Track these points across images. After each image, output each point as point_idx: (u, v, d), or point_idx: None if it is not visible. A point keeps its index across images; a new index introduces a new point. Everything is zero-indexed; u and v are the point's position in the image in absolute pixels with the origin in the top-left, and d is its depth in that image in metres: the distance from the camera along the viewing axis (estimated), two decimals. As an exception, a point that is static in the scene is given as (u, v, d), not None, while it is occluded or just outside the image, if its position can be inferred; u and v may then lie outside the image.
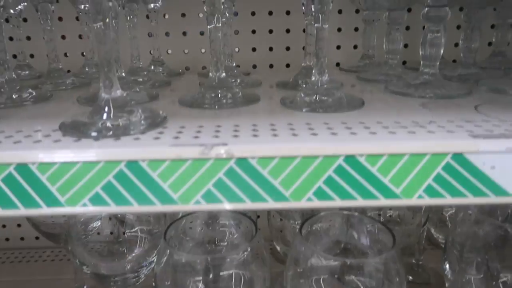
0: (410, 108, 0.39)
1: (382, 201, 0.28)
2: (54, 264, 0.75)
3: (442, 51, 0.44)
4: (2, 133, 0.33)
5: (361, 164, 0.28)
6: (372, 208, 0.53)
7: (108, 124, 0.33)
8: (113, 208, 0.28)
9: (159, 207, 0.28)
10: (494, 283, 0.40)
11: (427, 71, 0.45)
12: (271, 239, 0.55)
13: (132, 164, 0.28)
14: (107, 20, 0.33)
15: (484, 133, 0.30)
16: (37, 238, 0.80)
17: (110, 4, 0.33)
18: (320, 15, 0.40)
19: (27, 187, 0.28)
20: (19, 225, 0.79)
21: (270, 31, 0.70)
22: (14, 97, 0.46)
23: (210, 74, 0.44)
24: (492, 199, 0.28)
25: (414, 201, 0.28)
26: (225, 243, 0.43)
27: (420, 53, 0.45)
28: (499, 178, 0.28)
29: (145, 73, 0.57)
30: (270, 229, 0.55)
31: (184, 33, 0.71)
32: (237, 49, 0.71)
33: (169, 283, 0.36)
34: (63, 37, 0.71)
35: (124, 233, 0.48)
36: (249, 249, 0.37)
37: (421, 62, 0.45)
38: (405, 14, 0.54)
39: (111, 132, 0.32)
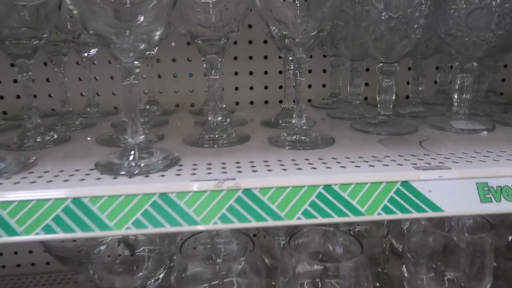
0: (370, 144, 0.50)
1: (352, 218, 0.38)
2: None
3: (394, 96, 0.56)
4: (49, 173, 0.41)
5: (336, 191, 0.38)
6: (344, 223, 0.63)
7: (134, 164, 0.41)
8: (150, 230, 0.36)
9: (186, 228, 0.37)
10: (440, 280, 0.50)
11: (383, 113, 0.56)
12: (260, 254, 0.64)
13: (164, 196, 0.37)
14: (134, 79, 0.42)
15: (424, 165, 0.41)
16: (47, 263, 0.86)
17: (138, 70, 0.42)
18: (298, 71, 0.50)
19: (82, 216, 0.36)
20: (30, 252, 0.85)
21: (251, 73, 0.81)
22: (38, 139, 0.53)
23: (209, 117, 0.53)
24: (430, 214, 0.38)
25: (375, 217, 0.38)
26: (226, 256, 0.52)
27: (377, 98, 0.56)
28: (434, 198, 0.38)
29: (146, 114, 0.66)
30: (260, 245, 0.64)
31: (175, 75, 0.80)
32: (222, 89, 0.81)
33: (183, 291, 0.44)
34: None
35: (133, 254, 0.56)
36: (247, 261, 0.46)
37: (378, 105, 0.57)
38: (364, 63, 0.66)
39: (137, 171, 0.40)
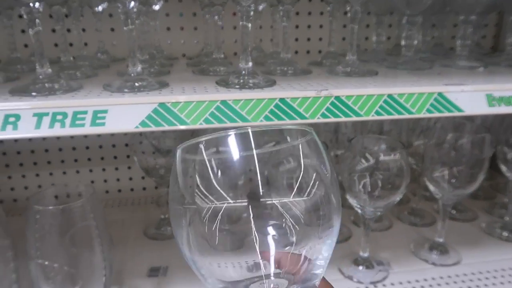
0: (403, 75, 0.67)
1: (406, 116, 0.56)
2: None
3: (416, 41, 0.73)
4: (185, 89, 0.56)
5: (395, 98, 0.56)
6: (396, 119, 0.84)
7: (245, 81, 0.57)
8: (276, 122, 0.53)
9: (299, 121, 0.53)
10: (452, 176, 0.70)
11: (407, 54, 0.74)
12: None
13: (282, 100, 0.53)
14: (248, 21, 0.57)
15: (451, 83, 0.59)
16: (131, 189, 1.05)
17: (252, 13, 0.57)
18: (354, 20, 0.67)
19: (229, 112, 0.52)
20: (117, 179, 1.03)
21: (297, 26, 0.97)
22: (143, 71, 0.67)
23: (281, 55, 0.69)
24: (455, 113, 0.57)
25: (422, 115, 0.56)
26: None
27: (402, 43, 0.74)
28: (459, 103, 0.57)
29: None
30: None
31: (235, 27, 0.95)
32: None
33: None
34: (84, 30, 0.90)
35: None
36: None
37: (403, 48, 0.74)
38: (387, 18, 0.83)
39: (247, 86, 0.56)
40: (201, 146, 0.27)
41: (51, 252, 0.54)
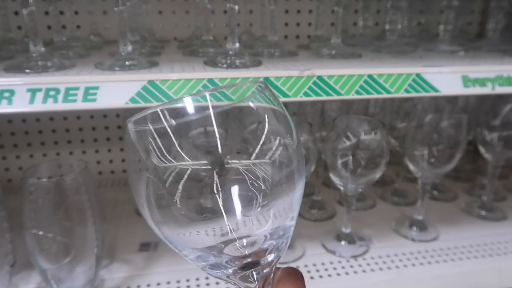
0: (386, 58, 0.70)
1: (385, 95, 0.58)
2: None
3: (399, 26, 0.76)
4: (175, 68, 0.59)
5: (375, 78, 0.58)
6: (376, 98, 0.86)
7: (231, 61, 0.59)
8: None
9: (282, 99, 0.56)
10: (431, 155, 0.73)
11: (391, 38, 0.76)
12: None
13: (266, 79, 0.56)
14: (236, 3, 0.59)
15: (429, 65, 0.62)
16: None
17: None
18: (338, 4, 0.69)
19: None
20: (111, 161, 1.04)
21: (286, 11, 0.98)
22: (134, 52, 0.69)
23: (268, 38, 0.71)
24: (432, 94, 0.60)
25: (399, 95, 0.58)
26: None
27: (387, 27, 0.76)
28: (435, 84, 0.60)
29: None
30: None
31: (225, 12, 0.96)
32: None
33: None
34: (76, 12, 0.93)
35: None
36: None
37: (387, 32, 0.77)
38: (374, 3, 0.85)
39: (239, 65, 0.59)
40: (159, 113, 0.26)
41: (46, 223, 0.56)
